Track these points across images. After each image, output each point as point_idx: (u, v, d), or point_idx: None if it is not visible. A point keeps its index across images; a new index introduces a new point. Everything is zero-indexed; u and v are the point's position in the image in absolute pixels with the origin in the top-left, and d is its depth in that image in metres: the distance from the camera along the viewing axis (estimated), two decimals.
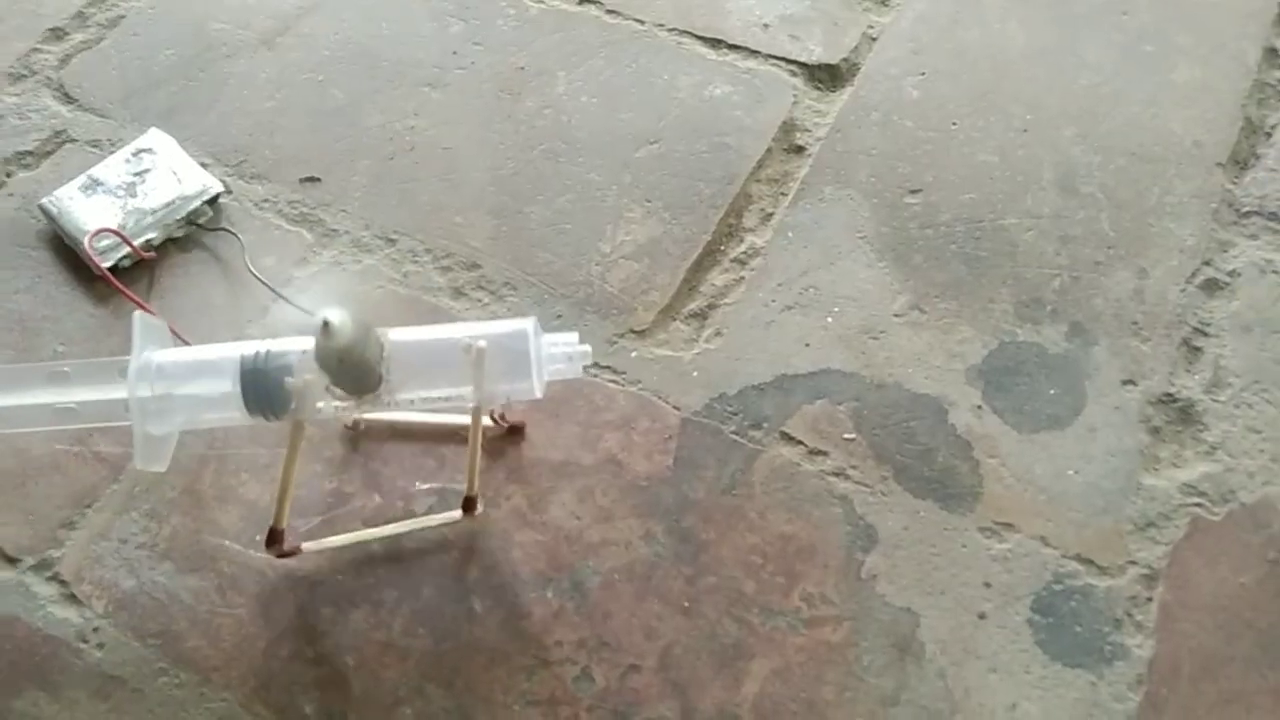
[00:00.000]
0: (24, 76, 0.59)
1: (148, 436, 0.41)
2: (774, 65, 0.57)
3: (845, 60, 0.57)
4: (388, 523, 0.43)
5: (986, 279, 0.48)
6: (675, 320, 0.48)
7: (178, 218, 0.51)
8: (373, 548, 0.43)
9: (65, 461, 0.44)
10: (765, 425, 0.44)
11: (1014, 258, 0.49)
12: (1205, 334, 0.46)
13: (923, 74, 0.56)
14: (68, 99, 0.57)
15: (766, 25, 0.59)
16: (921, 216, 0.50)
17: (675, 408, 0.45)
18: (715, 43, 0.58)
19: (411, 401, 0.42)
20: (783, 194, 0.52)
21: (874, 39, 0.58)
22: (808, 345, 0.46)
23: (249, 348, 0.42)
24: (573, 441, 0.44)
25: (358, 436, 0.47)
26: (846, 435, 0.44)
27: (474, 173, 0.53)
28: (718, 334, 0.47)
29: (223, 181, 0.53)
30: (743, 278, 0.49)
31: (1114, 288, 0.48)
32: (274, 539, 0.41)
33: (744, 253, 0.50)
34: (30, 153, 0.55)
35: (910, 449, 0.43)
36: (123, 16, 0.61)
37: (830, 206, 0.51)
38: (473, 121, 0.55)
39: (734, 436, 0.44)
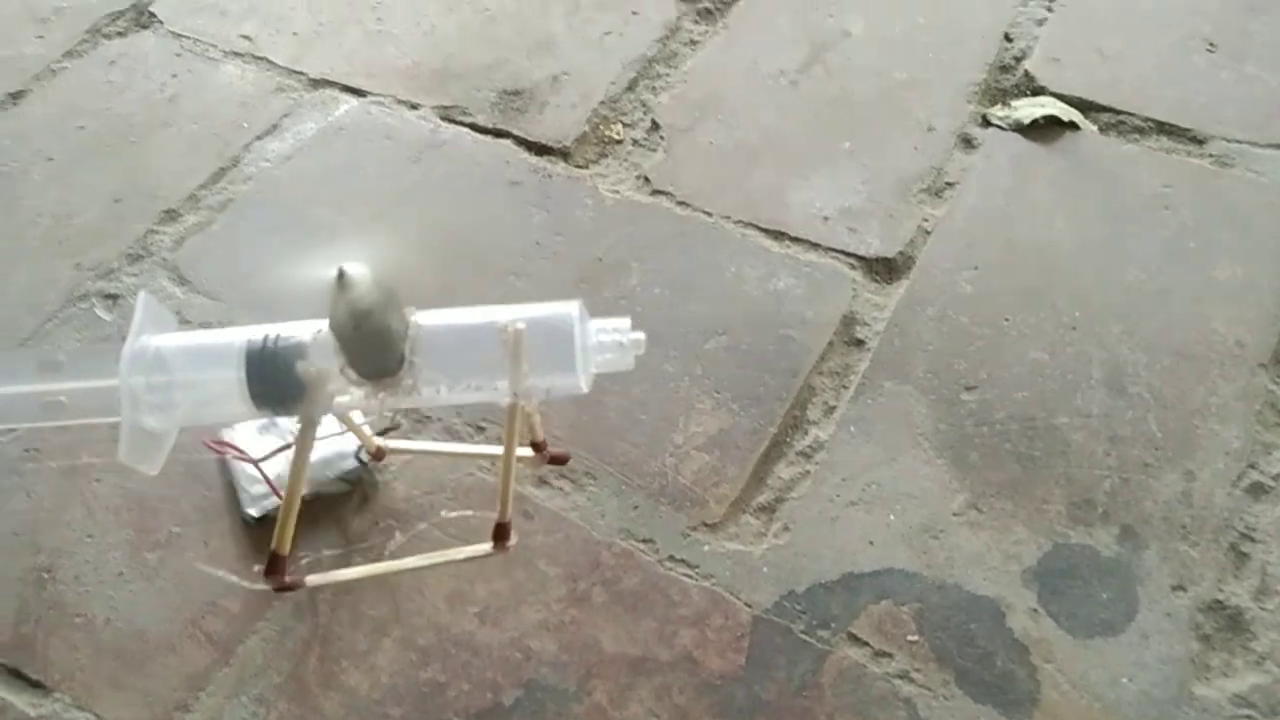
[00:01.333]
0: (142, 257, 0.64)
1: (139, 430, 0.37)
2: (834, 258, 0.61)
3: (901, 253, 0.61)
4: (407, 555, 0.40)
5: (1040, 479, 0.51)
6: (745, 513, 0.51)
7: (331, 475, 0.51)
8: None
9: (180, 643, 0.48)
10: (833, 625, 0.47)
11: (1066, 458, 0.52)
12: (1252, 539, 0.49)
13: (975, 268, 0.60)
14: (182, 280, 0.63)
15: (826, 218, 0.63)
16: (977, 414, 0.54)
17: (747, 604, 0.48)
18: (778, 235, 0.62)
19: (439, 391, 0.37)
20: (844, 387, 0.55)
21: (928, 232, 0.62)
22: (871, 543, 0.49)
23: (256, 332, 0.38)
24: (650, 637, 0.47)
25: (376, 460, 0.45)
26: (910, 637, 0.46)
27: None
28: (785, 529, 0.50)
29: None
30: (808, 471, 0.52)
31: (1163, 490, 0.50)
32: (274, 567, 0.37)
33: (809, 446, 0.53)
34: None
35: (971, 652, 0.46)
36: (231, 200, 0.67)
37: (890, 401, 0.54)
38: None
39: (803, 636, 0.47)
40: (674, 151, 0.67)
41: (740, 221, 0.63)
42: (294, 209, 0.66)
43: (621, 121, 0.70)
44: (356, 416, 0.48)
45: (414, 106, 0.71)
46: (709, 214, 0.64)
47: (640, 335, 0.39)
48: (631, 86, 0.72)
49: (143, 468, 0.37)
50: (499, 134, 0.69)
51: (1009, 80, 0.71)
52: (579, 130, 0.69)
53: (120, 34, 0.79)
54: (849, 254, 0.61)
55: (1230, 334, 0.56)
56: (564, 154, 0.68)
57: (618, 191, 0.65)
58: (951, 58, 0.72)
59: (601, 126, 0.69)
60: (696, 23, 0.77)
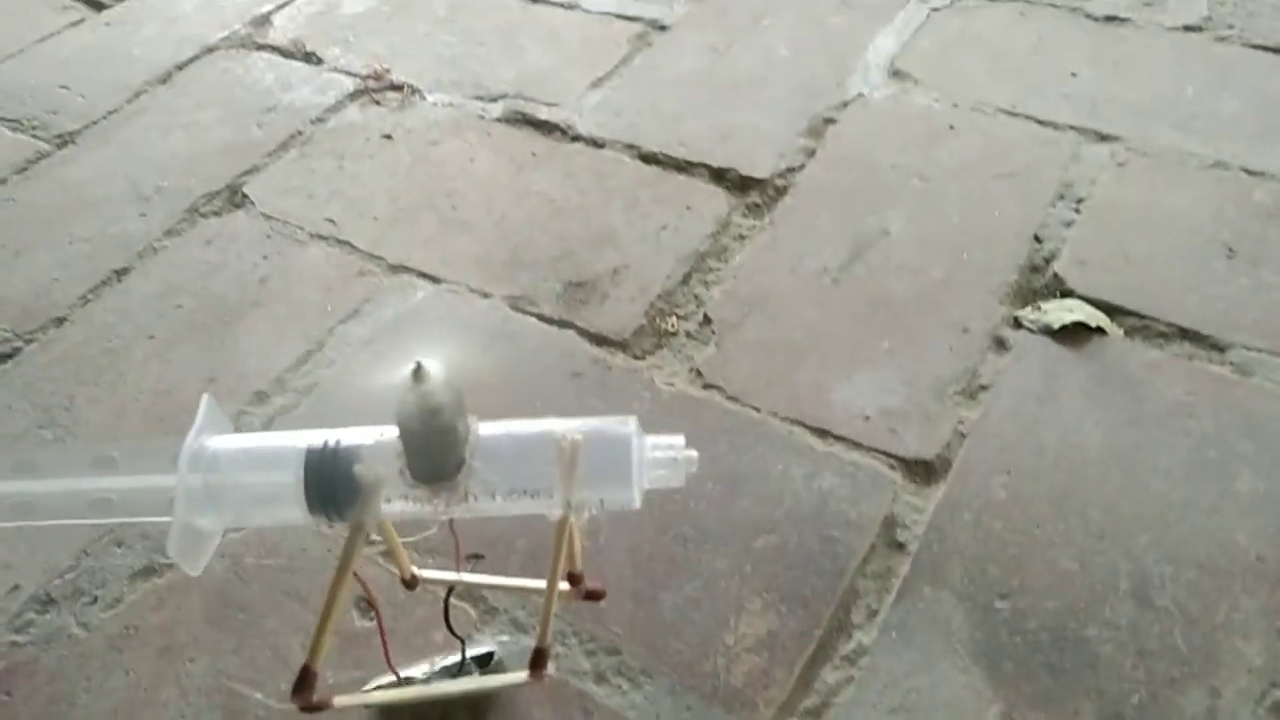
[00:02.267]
0: None
1: (189, 530, 0.38)
2: (875, 458, 0.65)
3: (939, 456, 0.65)
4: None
5: (1071, 691, 0.54)
6: (792, 717, 0.54)
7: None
8: None
9: None
10: None
11: (1095, 670, 0.55)
12: None
13: (1008, 473, 0.64)
14: None
15: (867, 417, 0.67)
16: (1010, 623, 0.57)
17: None
18: (823, 434, 0.67)
19: (493, 498, 0.37)
20: (886, 590, 0.59)
21: (964, 435, 0.66)
22: None
23: (317, 437, 0.38)
24: None
25: (409, 588, 0.44)
26: None
27: (616, 554, 0.61)
28: None
29: None
30: (852, 677, 0.55)
31: (1189, 706, 0.53)
32: (304, 683, 0.36)
33: (853, 651, 0.57)
34: None
35: None
36: (316, 384, 0.72)
37: (928, 607, 0.58)
38: None
39: None
40: (725, 346, 0.73)
41: (787, 419, 0.68)
42: (373, 396, 0.71)
43: (676, 314, 0.75)
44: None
45: (485, 295, 0.77)
46: (757, 409, 0.68)
47: (693, 454, 0.40)
48: (685, 280, 0.78)
49: (186, 566, 0.38)
50: (563, 324, 0.75)
51: (1039, 281, 0.76)
52: (637, 322, 0.74)
53: (216, 213, 0.87)
54: (889, 455, 0.65)
55: (1252, 548, 0.59)
56: (622, 345, 0.73)
57: (672, 384, 0.70)
58: (985, 258, 0.78)
59: (657, 319, 0.75)
60: (745, 216, 0.83)
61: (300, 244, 0.83)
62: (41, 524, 0.40)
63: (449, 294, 0.78)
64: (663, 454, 0.38)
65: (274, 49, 1.06)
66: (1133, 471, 0.63)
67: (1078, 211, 0.81)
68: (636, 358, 0.72)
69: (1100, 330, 0.72)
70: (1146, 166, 0.84)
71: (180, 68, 1.04)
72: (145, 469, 0.39)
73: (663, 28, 1.04)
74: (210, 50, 1.06)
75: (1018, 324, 0.73)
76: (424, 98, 0.97)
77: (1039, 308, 0.73)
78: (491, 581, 0.47)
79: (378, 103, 0.97)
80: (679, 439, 0.39)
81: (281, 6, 1.12)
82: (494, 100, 0.96)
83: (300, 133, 0.94)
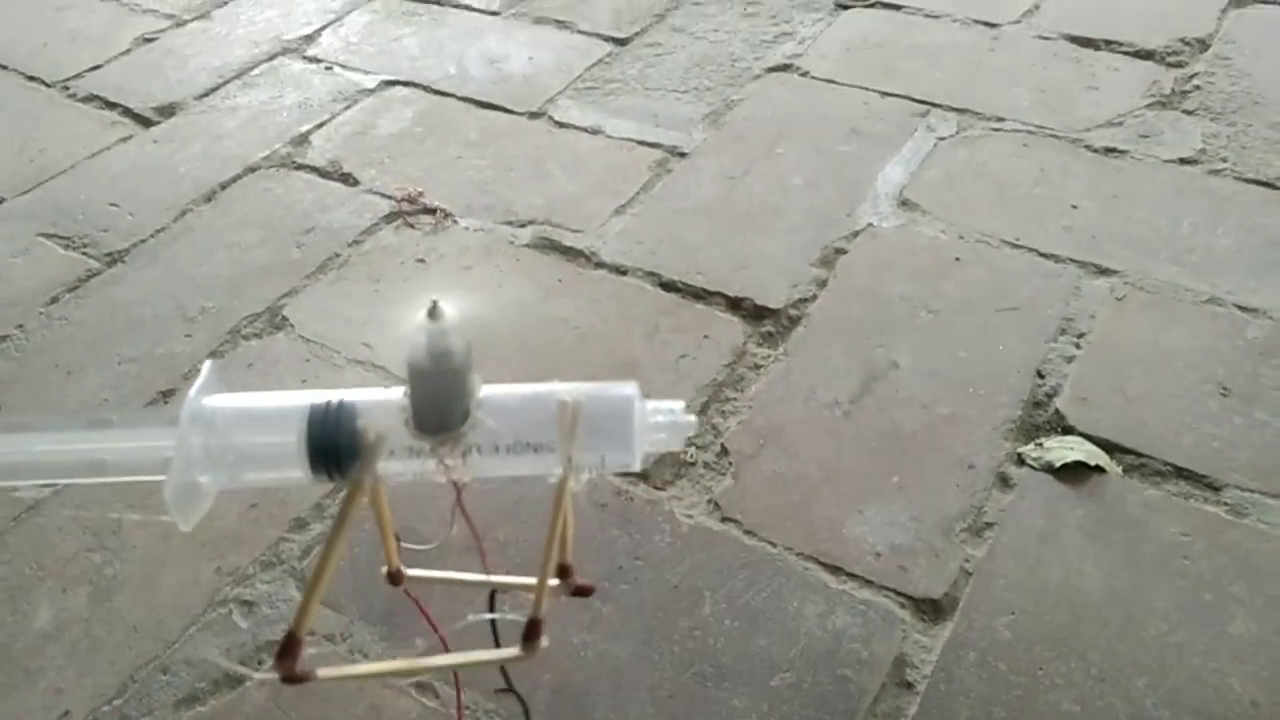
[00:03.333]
0: (274, 564, 0.73)
1: (188, 484, 0.38)
2: (886, 596, 0.68)
3: (946, 594, 0.68)
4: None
5: None
6: None
7: None
8: None
9: None
10: None
11: None
12: None
13: (1012, 614, 0.67)
14: None
15: (879, 554, 0.71)
16: None
17: None
18: (835, 570, 0.70)
19: (497, 450, 0.37)
20: None
21: (970, 573, 0.69)
22: None
23: (319, 396, 0.38)
24: None
25: (394, 583, 0.44)
26: None
27: (638, 691, 0.64)
28: None
29: None
30: None
31: None
32: (288, 650, 0.35)
33: None
34: (275, 641, 0.69)
35: None
36: None
37: None
38: (636, 638, 0.67)
39: None
40: (741, 478, 0.76)
41: (802, 554, 0.71)
42: (403, 529, 0.75)
43: (695, 445, 0.79)
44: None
45: None
46: (773, 544, 0.72)
47: (692, 418, 0.40)
48: (704, 410, 0.82)
49: (180, 520, 0.38)
50: None
51: (1041, 416, 0.80)
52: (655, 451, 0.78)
53: (257, 335, 0.91)
54: (900, 593, 0.68)
55: (1246, 693, 0.62)
56: (644, 475, 0.77)
57: (691, 516, 0.74)
58: (990, 393, 0.81)
59: (678, 450, 0.79)
60: (760, 345, 0.87)
61: (338, 368, 0.87)
62: (34, 483, 0.39)
63: None
64: (663, 418, 0.39)
65: (313, 169, 1.11)
66: (1131, 613, 0.66)
67: (1078, 347, 0.85)
68: (657, 488, 0.76)
69: (1100, 469, 0.75)
70: (1144, 302, 0.89)
71: (224, 186, 1.10)
72: (140, 430, 0.39)
73: (682, 154, 1.10)
74: (252, 169, 1.12)
75: (1021, 461, 0.76)
76: (456, 221, 1.03)
77: (1041, 445, 0.77)
78: (482, 579, 0.45)
79: (411, 226, 1.02)
80: (678, 404, 0.40)
81: (320, 125, 1.19)
82: (523, 226, 1.01)
83: (338, 255, 0.99)
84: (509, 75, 1.25)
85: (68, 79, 1.31)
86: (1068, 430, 0.78)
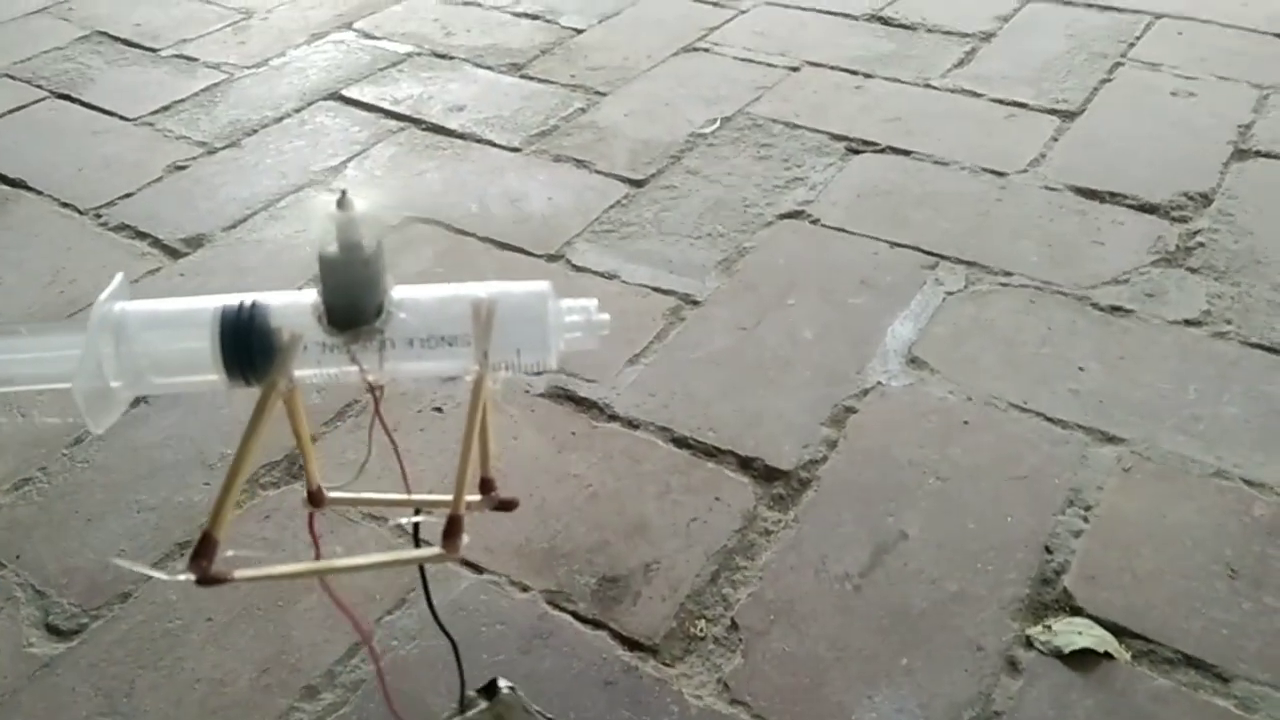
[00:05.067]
0: None
1: (97, 392, 0.37)
2: None
3: None
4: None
5: None
6: None
7: None
8: None
9: None
10: None
11: None
12: None
13: None
14: None
15: None
16: None
17: None
18: None
19: (411, 344, 0.37)
20: None
21: None
22: None
23: (231, 299, 0.38)
24: None
25: (315, 505, 0.42)
26: None
27: None
28: None
29: None
30: None
31: None
32: (204, 550, 0.34)
33: None
34: None
35: None
36: (363, 680, 0.76)
37: None
38: None
39: None
40: (751, 656, 0.76)
41: None
42: (418, 697, 0.75)
43: (705, 617, 0.79)
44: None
45: (525, 589, 0.82)
46: None
47: (605, 317, 0.40)
48: (714, 579, 0.82)
49: (92, 423, 0.37)
50: (597, 625, 0.79)
51: (1050, 594, 0.80)
52: (667, 625, 0.79)
53: (274, 485, 0.93)
54: None
55: None
56: (653, 650, 0.77)
57: (700, 697, 0.74)
58: (997, 568, 0.82)
59: (687, 622, 0.79)
60: (771, 509, 0.88)
61: (353, 523, 0.88)
62: None
63: (490, 585, 0.82)
64: (577, 317, 0.39)
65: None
66: None
67: (1086, 520, 0.85)
68: (666, 664, 0.76)
69: (1109, 655, 0.75)
70: (1151, 473, 0.89)
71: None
72: (52, 339, 0.39)
73: (695, 302, 1.12)
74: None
75: (1029, 644, 0.76)
76: None
77: (1049, 628, 0.77)
78: (399, 498, 0.45)
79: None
80: (592, 302, 0.40)
81: None
82: (537, 374, 1.03)
83: (356, 401, 1.01)
84: (528, 215, 1.29)
85: (100, 206, 1.35)
86: (1076, 611, 0.78)
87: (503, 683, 0.69)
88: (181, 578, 0.37)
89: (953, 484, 0.89)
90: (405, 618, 0.80)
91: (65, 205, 1.36)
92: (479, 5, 1.88)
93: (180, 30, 1.85)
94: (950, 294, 1.11)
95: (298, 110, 1.56)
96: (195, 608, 0.82)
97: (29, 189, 1.40)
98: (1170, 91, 1.49)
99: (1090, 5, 1.75)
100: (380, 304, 0.38)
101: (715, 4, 1.83)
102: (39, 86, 1.67)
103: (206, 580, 0.36)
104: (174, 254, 1.25)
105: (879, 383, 1.00)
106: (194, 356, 0.39)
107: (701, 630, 0.79)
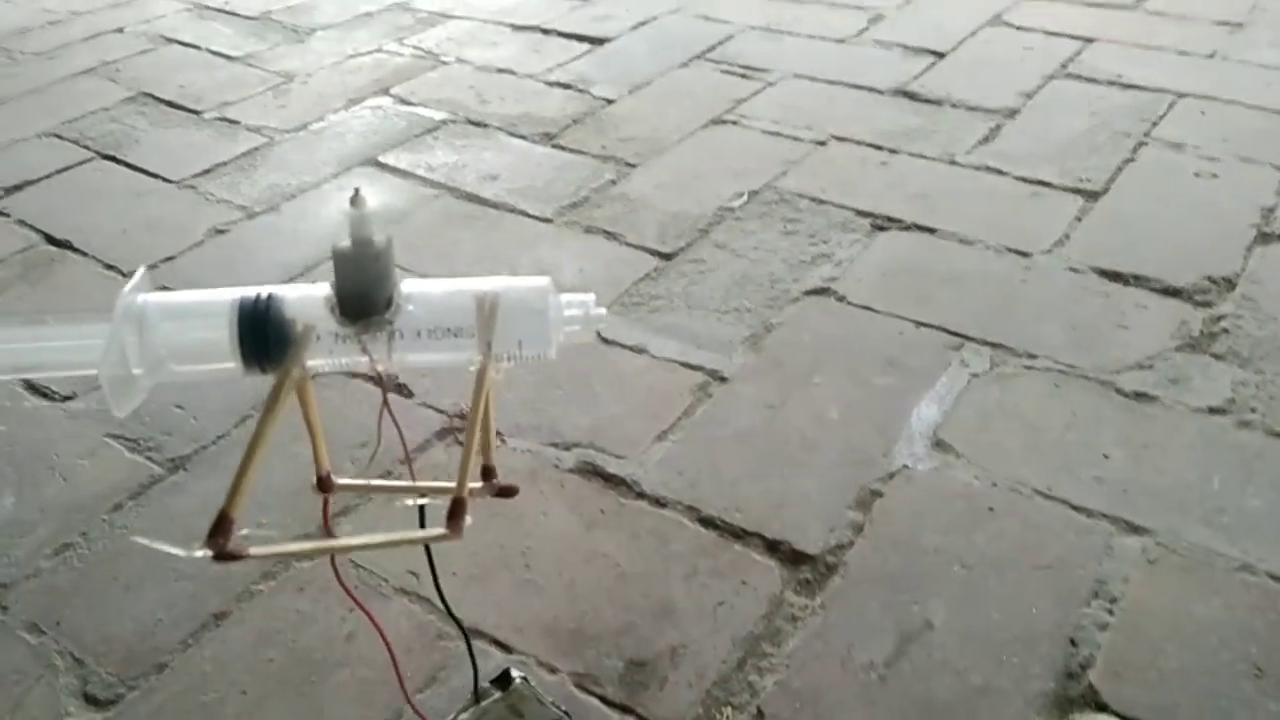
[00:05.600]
0: None
1: (120, 379, 0.38)
2: None
3: None
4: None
5: None
6: None
7: None
8: None
9: None
10: None
11: None
12: None
13: None
14: None
15: None
16: None
17: None
18: None
19: (419, 335, 0.38)
20: None
21: None
22: None
23: (249, 291, 0.40)
24: None
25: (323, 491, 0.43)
26: None
27: None
28: None
29: None
30: None
31: None
32: (220, 528, 0.35)
33: None
34: None
35: None
36: None
37: None
38: None
39: None
40: None
41: None
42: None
43: (731, 704, 0.80)
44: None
45: (553, 670, 0.83)
46: None
47: (602, 311, 0.42)
48: (740, 665, 0.83)
49: (115, 406, 0.39)
50: (625, 709, 0.80)
51: (1075, 689, 0.80)
52: (694, 713, 0.80)
53: (309, 557, 0.94)
54: None
55: None
56: None
57: None
58: (1022, 661, 0.82)
59: (714, 709, 0.80)
60: (797, 594, 0.89)
61: (385, 597, 0.90)
62: None
63: (520, 666, 0.83)
64: (576, 311, 0.41)
65: (371, 378, 1.17)
66: None
67: (1111, 614, 0.86)
68: None
69: None
70: (1177, 565, 0.90)
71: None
72: (76, 328, 0.41)
73: (723, 379, 1.14)
74: (312, 377, 1.17)
75: None
76: (504, 441, 1.07)
77: None
78: (404, 485, 0.46)
79: (461, 444, 1.06)
80: (590, 297, 0.42)
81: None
82: (568, 449, 1.05)
83: (390, 473, 1.03)
84: (559, 286, 1.31)
85: None
86: (1101, 707, 0.79)
87: (516, 673, 0.68)
88: (199, 554, 0.39)
89: (978, 572, 0.90)
90: (435, 697, 0.82)
91: (109, 267, 1.40)
92: (513, 73, 1.93)
93: (223, 93, 1.90)
94: (975, 376, 1.13)
95: (335, 176, 1.60)
96: (229, 680, 0.84)
97: (74, 249, 1.44)
98: (1194, 173, 1.51)
99: (1113, 83, 1.78)
100: (390, 296, 0.40)
101: (744, 76, 1.87)
102: (85, 147, 1.72)
103: (222, 556, 0.38)
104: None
105: (905, 466, 1.02)
106: (212, 345, 0.41)
107: (728, 718, 0.79)
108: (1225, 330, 1.18)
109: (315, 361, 0.43)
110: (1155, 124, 1.64)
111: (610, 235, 1.42)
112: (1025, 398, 1.10)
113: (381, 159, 1.64)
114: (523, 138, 1.69)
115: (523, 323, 0.42)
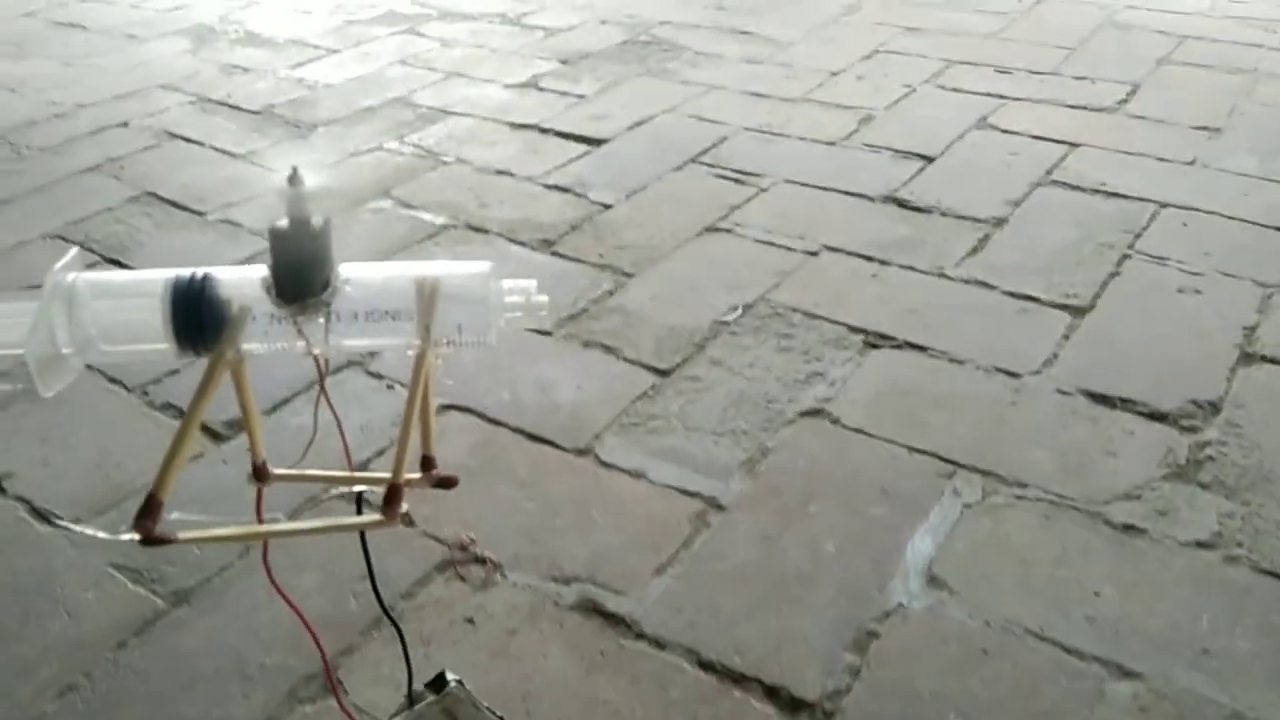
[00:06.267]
0: None
1: (48, 358, 0.37)
2: None
3: None
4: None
5: None
6: None
7: None
8: None
9: None
10: None
11: None
12: None
13: None
14: None
15: None
16: None
17: None
18: None
19: (356, 317, 0.37)
20: None
21: None
22: None
23: (183, 272, 0.38)
24: None
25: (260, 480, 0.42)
26: None
27: None
28: None
29: None
30: None
31: None
32: (148, 511, 0.34)
33: None
34: None
35: None
36: None
37: None
38: None
39: None
40: None
41: None
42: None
43: None
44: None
45: None
46: None
47: (544, 299, 0.41)
48: None
49: (41, 386, 0.37)
50: None
51: None
52: None
53: (311, 700, 0.95)
54: None
55: None
56: None
57: None
58: None
59: None
60: None
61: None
62: None
63: None
64: (517, 298, 0.40)
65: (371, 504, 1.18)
66: None
67: None
68: None
69: None
70: (1168, 714, 0.92)
71: (291, 517, 1.16)
72: (4, 304, 0.40)
73: (720, 507, 1.16)
74: (314, 501, 1.19)
75: None
76: (504, 575, 1.08)
77: None
78: (342, 475, 0.46)
79: (462, 578, 1.08)
80: (532, 283, 0.41)
81: (379, 454, 1.26)
82: (568, 583, 1.07)
83: (391, 608, 1.04)
84: (558, 405, 1.34)
85: (147, 383, 1.40)
86: None
87: (450, 676, 0.67)
88: (125, 537, 0.38)
89: (973, 719, 0.92)
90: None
91: (113, 381, 1.41)
92: (511, 174, 1.97)
93: (226, 193, 1.94)
94: (968, 507, 1.15)
95: None
96: None
97: None
98: (1177, 288, 1.55)
99: (1097, 191, 1.83)
100: (327, 278, 0.40)
101: (737, 180, 1.92)
102: (90, 250, 1.75)
103: (150, 540, 0.37)
104: (217, 437, 1.30)
105: (900, 604, 1.03)
106: (145, 326, 0.40)
107: None
108: (1210, 458, 1.21)
109: (251, 345, 0.43)
110: (1139, 235, 1.69)
111: (608, 350, 1.45)
112: (1017, 530, 1.12)
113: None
114: (522, 244, 1.72)
115: (463, 308, 0.42)
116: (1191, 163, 1.93)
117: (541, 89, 2.38)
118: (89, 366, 1.41)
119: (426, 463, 0.49)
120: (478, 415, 1.32)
